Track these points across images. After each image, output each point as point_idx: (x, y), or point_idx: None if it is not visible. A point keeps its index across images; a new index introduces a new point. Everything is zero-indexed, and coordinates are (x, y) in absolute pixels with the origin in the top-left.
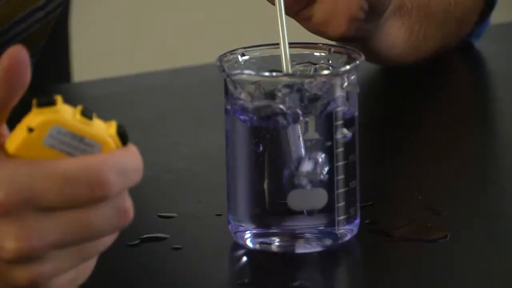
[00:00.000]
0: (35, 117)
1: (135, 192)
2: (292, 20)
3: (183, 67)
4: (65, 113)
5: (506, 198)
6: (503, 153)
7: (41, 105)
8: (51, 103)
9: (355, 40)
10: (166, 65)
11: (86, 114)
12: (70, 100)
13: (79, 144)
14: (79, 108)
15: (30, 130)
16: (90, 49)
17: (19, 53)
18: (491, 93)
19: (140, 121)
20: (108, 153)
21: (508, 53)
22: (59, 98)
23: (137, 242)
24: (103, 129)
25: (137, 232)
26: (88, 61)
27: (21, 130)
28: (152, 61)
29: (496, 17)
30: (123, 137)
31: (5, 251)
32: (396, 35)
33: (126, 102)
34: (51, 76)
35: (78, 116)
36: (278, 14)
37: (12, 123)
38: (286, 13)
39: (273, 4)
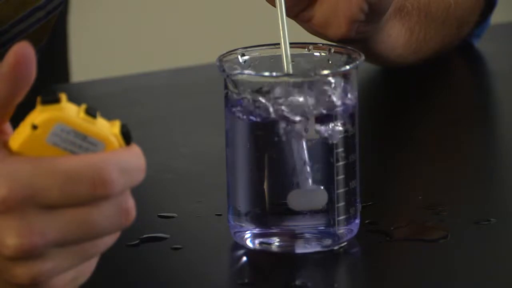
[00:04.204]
0: (39, 115)
1: (135, 192)
2: (292, 21)
3: (183, 67)
4: (69, 111)
5: (506, 198)
6: (503, 153)
7: (45, 102)
8: (56, 100)
9: (355, 41)
10: (166, 65)
11: (90, 112)
12: (70, 100)
13: (83, 142)
14: (84, 106)
15: (34, 127)
16: (89, 49)
17: (25, 50)
18: (491, 93)
19: (140, 121)
20: (111, 152)
21: (508, 53)
22: (63, 96)
23: (137, 242)
24: (107, 128)
25: (137, 232)
26: (87, 61)
27: (24, 127)
28: (152, 61)
29: (496, 17)
30: (127, 137)
31: (7, 247)
32: (396, 37)
33: (126, 102)
34: (51, 77)
35: (82, 114)
36: (279, 14)
37: (12, 123)
38: (286, 15)
39: (274, 5)
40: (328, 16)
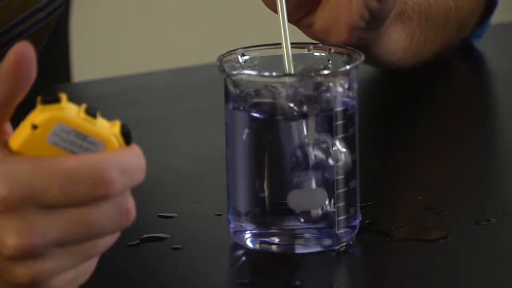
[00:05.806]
0: (39, 114)
1: (135, 192)
2: None
3: (183, 67)
4: (69, 110)
5: (506, 197)
6: (503, 153)
7: (45, 102)
8: (56, 100)
9: (356, 47)
10: (166, 65)
11: (91, 112)
12: (70, 100)
13: (83, 142)
14: (84, 106)
15: (34, 127)
16: (90, 49)
17: (25, 50)
18: (491, 93)
19: (140, 121)
20: (111, 152)
21: (508, 53)
22: (63, 96)
23: (137, 242)
24: (107, 128)
25: (137, 232)
26: (88, 61)
27: (25, 127)
28: (152, 61)
29: (496, 17)
30: (127, 137)
31: (7, 247)
32: (397, 41)
33: (126, 102)
34: (51, 77)
35: (82, 114)
36: (280, 15)
37: (12, 123)
38: (288, 21)
39: (275, 11)
40: (329, 23)
